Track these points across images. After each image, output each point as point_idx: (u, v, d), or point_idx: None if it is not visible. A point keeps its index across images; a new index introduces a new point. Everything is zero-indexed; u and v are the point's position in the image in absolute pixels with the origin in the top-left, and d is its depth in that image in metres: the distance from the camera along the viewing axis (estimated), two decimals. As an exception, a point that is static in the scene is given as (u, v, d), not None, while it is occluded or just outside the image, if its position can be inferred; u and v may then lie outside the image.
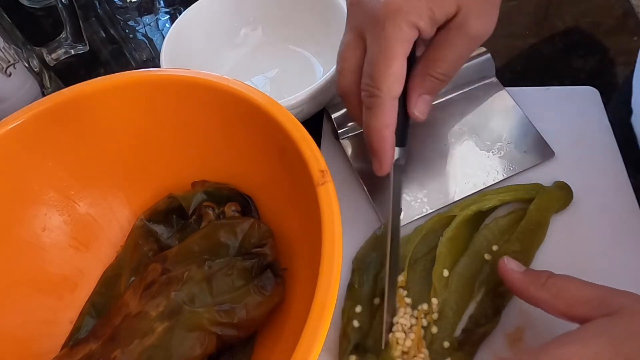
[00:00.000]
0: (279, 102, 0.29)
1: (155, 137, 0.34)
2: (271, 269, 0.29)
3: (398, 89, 0.28)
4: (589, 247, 0.32)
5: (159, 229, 0.35)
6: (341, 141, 0.38)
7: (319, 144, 0.39)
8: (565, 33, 0.47)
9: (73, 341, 0.32)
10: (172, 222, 0.35)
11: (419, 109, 0.30)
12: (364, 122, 0.30)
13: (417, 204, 0.35)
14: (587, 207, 0.34)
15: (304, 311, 0.21)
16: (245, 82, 0.30)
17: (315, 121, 0.40)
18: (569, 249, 0.33)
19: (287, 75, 0.47)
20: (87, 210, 0.35)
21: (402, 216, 0.34)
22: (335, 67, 0.36)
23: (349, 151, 0.38)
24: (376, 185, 0.36)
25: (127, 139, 0.34)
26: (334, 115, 0.38)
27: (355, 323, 0.31)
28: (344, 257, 0.32)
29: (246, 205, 0.34)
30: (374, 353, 0.29)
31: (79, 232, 0.34)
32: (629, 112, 0.39)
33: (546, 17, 0.48)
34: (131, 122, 0.33)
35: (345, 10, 0.41)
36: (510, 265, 0.28)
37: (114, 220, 0.35)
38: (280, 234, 0.31)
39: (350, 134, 0.38)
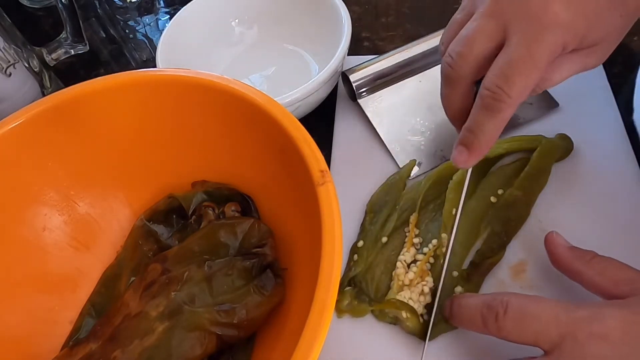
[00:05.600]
0: (275, 99, 0.29)
1: (155, 137, 0.34)
2: (271, 269, 0.29)
3: (524, 98, 0.27)
4: (587, 193, 0.35)
5: (159, 229, 0.35)
6: (359, 101, 0.41)
7: (326, 131, 0.42)
8: (565, 33, 0.47)
9: (73, 341, 0.32)
10: (172, 222, 0.35)
11: None
12: (475, 118, 0.27)
13: (434, 155, 0.39)
14: (586, 157, 0.37)
15: (304, 311, 0.21)
16: (243, 81, 0.30)
17: (313, 118, 0.40)
18: (569, 194, 0.35)
19: (283, 73, 0.47)
20: (87, 210, 0.35)
21: (420, 166, 0.38)
22: (332, 65, 0.37)
23: (368, 109, 0.41)
24: (392, 136, 0.40)
25: (127, 139, 0.34)
26: (352, 78, 0.41)
27: (355, 257, 0.34)
28: (361, 201, 0.37)
29: (246, 205, 0.34)
30: (370, 290, 0.32)
31: (79, 232, 0.34)
32: (630, 111, 0.39)
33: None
34: (131, 122, 0.33)
35: (341, 9, 0.41)
36: (558, 240, 0.29)
37: (114, 220, 0.35)
38: (280, 234, 0.31)
39: (366, 96, 0.42)
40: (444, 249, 0.33)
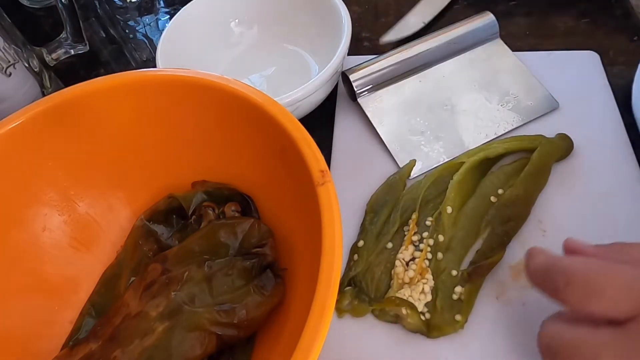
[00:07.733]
0: (275, 99, 0.29)
1: (155, 137, 0.34)
2: (271, 269, 0.29)
3: None
4: (588, 193, 0.35)
5: (159, 229, 0.35)
6: (359, 101, 0.41)
7: (326, 131, 0.42)
8: (565, 33, 0.47)
9: (73, 341, 0.32)
10: (172, 222, 0.35)
11: None
12: None
13: (434, 154, 0.39)
14: (586, 157, 0.37)
15: (304, 311, 0.21)
16: (243, 81, 0.30)
17: (313, 118, 0.40)
18: (570, 194, 0.35)
19: (283, 73, 0.47)
20: (87, 210, 0.35)
21: (420, 166, 0.38)
22: (332, 65, 0.37)
23: (368, 109, 0.41)
24: (392, 136, 0.40)
25: (127, 139, 0.34)
26: (352, 78, 0.41)
27: (355, 257, 0.34)
28: (361, 201, 0.37)
29: (246, 205, 0.34)
30: (370, 289, 0.32)
31: (79, 232, 0.34)
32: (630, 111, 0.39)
33: (546, 17, 0.48)
34: (131, 122, 0.33)
35: (341, 9, 0.41)
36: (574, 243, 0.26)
37: (114, 220, 0.35)
38: (280, 234, 0.31)
39: (366, 96, 0.42)
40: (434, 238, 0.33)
